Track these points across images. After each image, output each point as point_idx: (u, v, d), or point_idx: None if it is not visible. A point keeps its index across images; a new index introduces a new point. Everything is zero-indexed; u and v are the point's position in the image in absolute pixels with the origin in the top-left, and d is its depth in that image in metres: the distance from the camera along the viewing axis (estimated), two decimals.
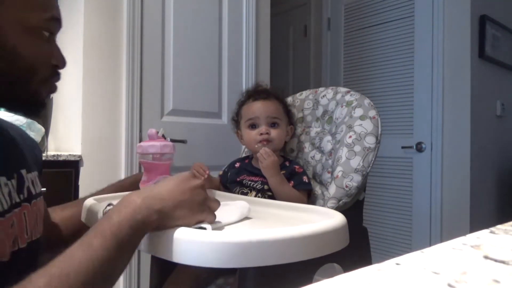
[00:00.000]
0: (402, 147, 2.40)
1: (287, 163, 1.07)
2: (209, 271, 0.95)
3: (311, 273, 0.77)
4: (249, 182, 1.06)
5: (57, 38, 0.65)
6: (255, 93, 1.13)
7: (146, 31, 1.68)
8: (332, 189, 0.96)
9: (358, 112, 1.03)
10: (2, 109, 0.63)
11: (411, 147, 2.36)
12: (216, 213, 0.63)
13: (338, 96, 1.14)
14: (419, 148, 2.33)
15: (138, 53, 1.65)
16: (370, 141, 0.97)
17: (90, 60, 1.54)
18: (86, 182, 1.52)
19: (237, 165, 1.14)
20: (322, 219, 0.65)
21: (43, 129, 1.44)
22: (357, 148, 0.97)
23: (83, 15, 1.53)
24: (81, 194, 1.48)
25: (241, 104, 1.14)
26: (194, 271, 0.93)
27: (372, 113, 1.01)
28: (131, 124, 1.63)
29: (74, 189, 1.49)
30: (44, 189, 0.77)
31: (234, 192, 1.07)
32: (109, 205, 0.68)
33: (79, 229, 0.82)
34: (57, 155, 1.45)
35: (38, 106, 0.63)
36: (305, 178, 1.02)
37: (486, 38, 2.24)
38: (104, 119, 1.59)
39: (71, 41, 1.54)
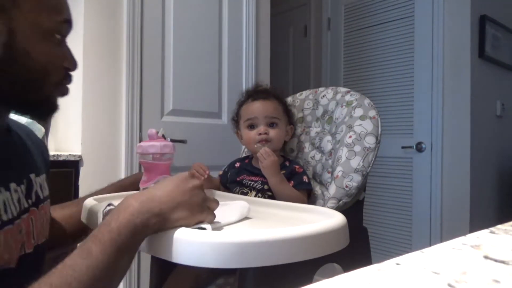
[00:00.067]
0: (402, 147, 2.40)
1: (287, 163, 1.07)
2: (209, 271, 0.95)
3: (311, 273, 0.77)
4: (249, 182, 1.06)
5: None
6: (254, 93, 1.13)
7: (146, 31, 1.68)
8: (332, 189, 0.96)
9: (358, 112, 1.03)
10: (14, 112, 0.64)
11: (411, 147, 2.36)
12: (216, 213, 0.63)
13: (338, 96, 1.14)
14: (419, 148, 2.33)
15: (138, 53, 1.65)
16: (370, 141, 0.97)
17: (90, 60, 1.54)
18: (86, 182, 1.52)
19: (237, 165, 1.14)
20: (322, 219, 0.65)
21: (43, 129, 1.44)
22: (357, 148, 0.97)
23: (83, 15, 1.53)
24: (81, 194, 1.48)
25: (241, 104, 1.14)
26: (194, 271, 0.93)
27: (372, 113, 1.01)
28: (131, 124, 1.63)
29: (74, 189, 1.49)
30: None
31: (234, 192, 1.07)
32: (109, 205, 0.67)
33: (78, 229, 0.82)
34: (57, 155, 1.45)
35: (50, 109, 0.63)
36: (305, 178, 1.02)
37: (486, 38, 2.24)
38: (104, 119, 1.59)
39: (71, 41, 1.53)
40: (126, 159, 1.62)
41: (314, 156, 1.15)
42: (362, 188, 0.99)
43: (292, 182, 1.01)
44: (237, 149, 1.45)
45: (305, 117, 1.22)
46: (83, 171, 1.52)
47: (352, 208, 0.99)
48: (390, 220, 2.46)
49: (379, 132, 0.99)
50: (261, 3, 2.13)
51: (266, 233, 0.54)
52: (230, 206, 0.75)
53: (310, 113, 1.21)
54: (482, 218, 2.21)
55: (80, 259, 0.49)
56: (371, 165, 0.96)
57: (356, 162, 0.96)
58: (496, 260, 0.25)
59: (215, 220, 0.63)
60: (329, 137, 1.11)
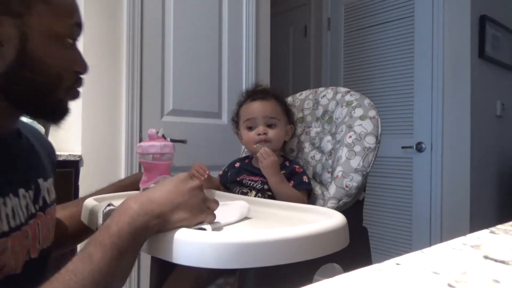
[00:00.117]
0: (402, 147, 2.40)
1: (287, 163, 1.07)
2: (210, 271, 0.95)
3: (311, 273, 0.77)
4: (249, 182, 1.06)
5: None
6: (253, 93, 1.13)
7: (146, 31, 1.68)
8: (332, 189, 0.96)
9: (358, 112, 1.03)
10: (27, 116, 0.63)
11: (411, 147, 2.36)
12: (216, 213, 0.63)
13: (338, 96, 1.14)
14: (419, 148, 2.33)
15: (138, 53, 1.65)
16: (370, 141, 0.97)
17: (90, 60, 1.52)
18: (86, 182, 1.52)
19: (237, 165, 1.14)
20: (322, 219, 0.65)
21: (43, 129, 1.44)
22: (357, 148, 0.97)
23: (83, 15, 1.52)
24: (81, 194, 1.48)
25: (240, 104, 1.14)
26: (194, 271, 0.93)
27: (372, 113, 1.01)
28: (131, 124, 1.63)
29: (74, 189, 1.49)
30: None
31: (234, 192, 1.07)
32: (108, 205, 0.67)
33: (79, 229, 0.82)
34: (57, 155, 1.45)
35: (62, 113, 0.63)
36: (305, 178, 1.02)
37: (486, 38, 2.24)
38: (104, 119, 1.59)
39: None
40: (126, 159, 1.62)
41: (314, 156, 1.15)
42: (362, 188, 0.99)
43: (292, 182, 1.01)
44: (237, 149, 1.45)
45: (305, 117, 1.22)
46: (83, 171, 1.52)
47: (352, 208, 0.99)
48: (390, 220, 2.46)
49: (379, 132, 0.99)
50: (261, 3, 2.13)
51: (266, 234, 0.54)
52: (230, 206, 0.75)
53: (310, 113, 1.21)
54: (482, 218, 2.21)
55: (82, 264, 0.49)
56: (371, 165, 0.96)
57: (356, 162, 0.96)
58: (496, 260, 0.25)
59: (215, 220, 0.63)
60: (329, 137, 1.11)
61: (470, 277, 0.22)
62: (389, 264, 0.24)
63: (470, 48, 2.16)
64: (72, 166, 1.49)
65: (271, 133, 1.06)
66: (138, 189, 0.89)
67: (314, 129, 1.19)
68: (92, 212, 0.74)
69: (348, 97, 1.10)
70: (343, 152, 0.98)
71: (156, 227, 0.55)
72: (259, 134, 1.05)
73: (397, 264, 0.24)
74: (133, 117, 1.64)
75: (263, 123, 1.06)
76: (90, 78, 1.56)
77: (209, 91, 1.92)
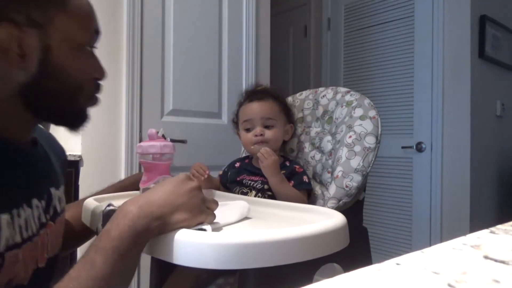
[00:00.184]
0: (402, 147, 2.40)
1: (287, 163, 1.07)
2: (209, 271, 0.95)
3: (311, 273, 0.77)
4: (249, 182, 1.06)
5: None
6: (251, 94, 1.13)
7: (146, 31, 1.68)
8: (332, 189, 0.96)
9: (358, 112, 1.03)
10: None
11: (411, 147, 2.36)
12: (216, 213, 0.63)
13: (338, 96, 1.14)
14: (419, 148, 2.33)
15: (138, 53, 1.65)
16: (370, 141, 0.97)
17: None
18: (86, 182, 1.52)
19: (237, 165, 1.14)
20: (322, 219, 0.65)
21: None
22: (357, 148, 0.97)
23: None
24: (81, 194, 1.48)
25: (239, 105, 1.14)
26: (194, 271, 0.93)
27: (372, 113, 1.01)
28: (131, 124, 1.63)
29: (74, 189, 1.49)
30: None
31: (234, 192, 1.07)
32: (108, 205, 0.67)
33: (81, 230, 0.82)
34: None
35: (83, 121, 0.64)
36: (305, 178, 1.02)
37: (486, 38, 2.24)
38: (104, 119, 1.59)
39: None
40: (126, 159, 1.62)
41: (314, 156, 1.15)
42: (362, 188, 0.99)
43: (292, 182, 1.01)
44: (237, 149, 1.45)
45: (305, 117, 1.22)
46: (83, 171, 1.52)
47: (352, 208, 0.99)
48: (390, 220, 2.46)
49: (379, 132, 0.99)
50: (261, 3, 2.13)
51: (266, 234, 0.54)
52: (230, 206, 0.75)
53: (310, 113, 1.21)
54: (482, 218, 2.21)
55: (85, 271, 0.49)
56: (371, 165, 0.96)
57: (356, 162, 0.96)
58: (496, 260, 0.25)
59: (215, 220, 0.63)
60: (329, 137, 1.11)
61: (470, 277, 0.22)
62: (389, 264, 0.24)
63: (470, 48, 2.16)
64: (72, 166, 1.49)
65: (268, 134, 1.06)
66: (138, 189, 0.89)
67: (314, 129, 1.19)
68: (92, 213, 0.74)
69: (348, 97, 1.10)
70: (343, 152, 0.98)
71: (156, 229, 0.55)
72: (256, 136, 1.06)
73: (397, 264, 0.24)
74: (133, 117, 1.64)
75: (260, 124, 1.06)
76: None
77: (209, 91, 1.92)
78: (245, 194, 1.04)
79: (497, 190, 2.46)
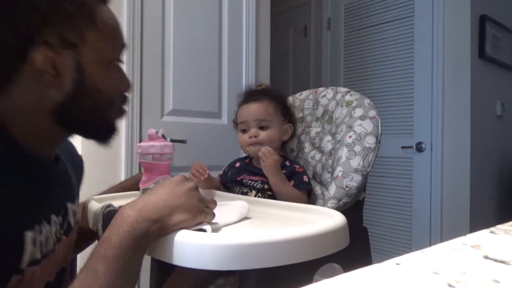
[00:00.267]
0: (402, 147, 2.40)
1: (287, 163, 1.07)
2: (209, 271, 0.95)
3: (311, 273, 0.77)
4: (249, 182, 1.06)
5: None
6: (248, 95, 1.14)
7: (146, 31, 1.68)
8: (332, 189, 0.96)
9: (358, 112, 1.03)
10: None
11: (411, 147, 2.36)
12: (216, 213, 0.63)
13: (338, 96, 1.14)
14: (419, 148, 2.33)
15: (138, 53, 1.65)
16: (370, 141, 0.97)
17: None
18: (86, 182, 1.51)
19: (238, 164, 1.14)
20: (322, 219, 0.65)
21: None
22: (357, 148, 0.97)
23: None
24: (81, 194, 1.48)
25: (238, 106, 1.15)
26: (194, 271, 0.93)
27: (372, 113, 1.01)
28: (131, 124, 1.63)
29: None
30: None
31: (234, 192, 1.07)
32: (108, 206, 0.67)
33: (81, 234, 0.82)
34: None
35: (112, 133, 0.64)
36: (305, 178, 1.02)
37: (486, 38, 2.24)
38: None
39: None
40: (126, 159, 1.62)
41: (314, 156, 1.15)
42: (362, 188, 0.99)
43: (292, 181, 1.01)
44: (237, 149, 1.44)
45: (305, 117, 1.22)
46: None
47: (352, 208, 0.99)
48: (390, 220, 2.46)
49: (379, 132, 0.99)
50: (261, 3, 2.13)
51: (266, 235, 0.54)
52: (229, 206, 0.75)
53: (310, 113, 1.21)
54: (482, 218, 2.21)
55: (89, 281, 0.49)
56: (371, 165, 0.96)
57: (356, 162, 0.96)
58: (496, 260, 0.25)
59: (215, 220, 0.63)
60: (329, 137, 1.11)
61: (470, 277, 0.22)
62: (389, 264, 0.24)
63: (470, 48, 2.16)
64: None
65: (262, 135, 1.06)
66: (138, 190, 0.89)
67: (314, 129, 1.19)
68: (92, 213, 0.74)
69: (348, 97, 1.10)
70: (343, 152, 0.98)
71: (156, 232, 0.54)
72: (250, 137, 1.06)
73: (397, 264, 0.24)
74: (133, 117, 1.64)
75: (255, 125, 1.07)
76: None
77: (209, 91, 1.92)
78: (245, 194, 1.04)
79: (497, 190, 2.45)
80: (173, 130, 1.73)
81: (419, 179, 2.34)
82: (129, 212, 0.54)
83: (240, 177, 1.08)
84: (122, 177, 1.54)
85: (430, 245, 0.28)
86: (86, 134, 0.62)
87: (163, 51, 1.74)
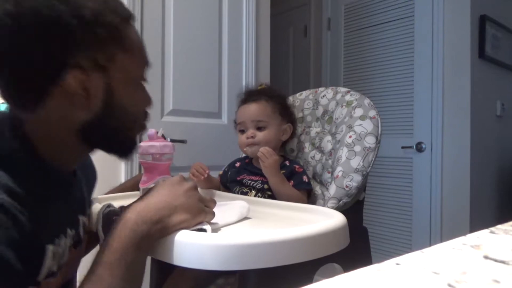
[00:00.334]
0: (402, 147, 2.40)
1: (287, 163, 1.07)
2: (209, 271, 0.95)
3: (311, 273, 0.77)
4: (249, 182, 1.06)
5: None
6: (247, 96, 1.14)
7: (146, 31, 1.68)
8: (332, 189, 0.96)
9: (358, 112, 1.03)
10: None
11: (411, 147, 2.36)
12: (216, 213, 0.63)
13: (338, 96, 1.14)
14: (419, 148, 2.33)
15: None
16: (370, 141, 0.97)
17: None
18: None
19: (238, 164, 1.14)
20: (322, 219, 0.65)
21: None
22: (357, 148, 0.97)
23: None
24: None
25: (238, 106, 1.15)
26: (194, 271, 0.93)
27: (372, 113, 1.01)
28: None
29: None
30: None
31: (234, 192, 1.07)
32: (108, 206, 0.67)
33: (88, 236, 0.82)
34: None
35: (133, 148, 0.65)
36: (305, 178, 1.02)
37: (486, 38, 2.24)
38: None
39: None
40: None
41: (314, 156, 1.15)
42: (362, 188, 0.99)
43: (292, 181, 1.01)
44: (237, 149, 1.45)
45: (305, 117, 1.22)
46: None
47: (352, 208, 0.99)
48: (390, 220, 2.46)
49: (379, 132, 0.99)
50: (261, 3, 2.13)
51: (266, 235, 0.54)
52: (229, 206, 0.75)
53: (310, 113, 1.21)
54: (482, 218, 2.21)
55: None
56: (371, 165, 0.96)
57: (356, 162, 0.96)
58: (496, 260, 0.25)
59: (215, 220, 0.63)
60: (329, 137, 1.11)
61: (470, 277, 0.22)
62: (389, 264, 0.24)
63: (470, 48, 2.16)
64: None
65: (259, 135, 1.07)
66: (138, 190, 0.89)
67: (314, 129, 1.19)
68: (92, 214, 0.74)
69: (348, 97, 1.10)
70: (343, 152, 0.98)
71: (157, 233, 0.55)
72: (247, 138, 1.06)
73: (397, 264, 0.24)
74: None
75: (252, 126, 1.07)
76: None
77: (209, 91, 1.92)
78: (245, 194, 1.04)
79: (497, 190, 2.45)
80: (173, 130, 1.73)
81: (419, 179, 2.34)
82: (129, 215, 0.54)
83: (240, 177, 1.08)
84: (122, 178, 1.54)
85: (430, 245, 0.28)
86: (109, 150, 0.63)
87: (163, 51, 1.74)
